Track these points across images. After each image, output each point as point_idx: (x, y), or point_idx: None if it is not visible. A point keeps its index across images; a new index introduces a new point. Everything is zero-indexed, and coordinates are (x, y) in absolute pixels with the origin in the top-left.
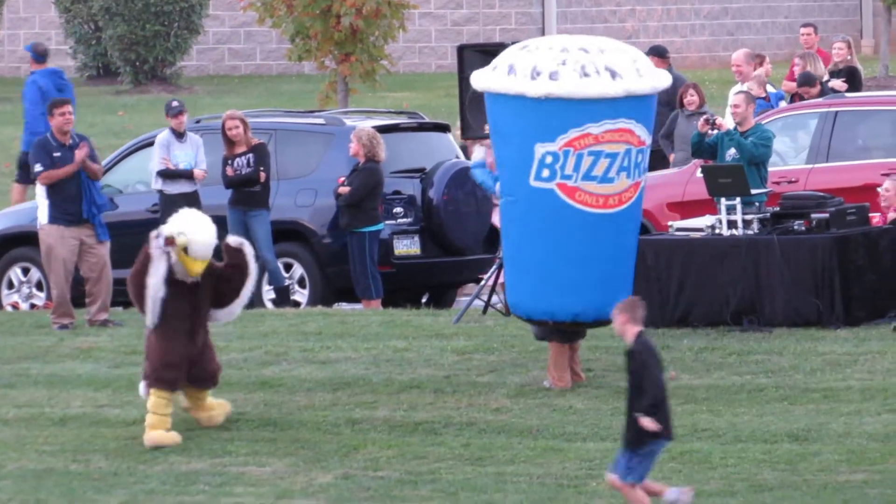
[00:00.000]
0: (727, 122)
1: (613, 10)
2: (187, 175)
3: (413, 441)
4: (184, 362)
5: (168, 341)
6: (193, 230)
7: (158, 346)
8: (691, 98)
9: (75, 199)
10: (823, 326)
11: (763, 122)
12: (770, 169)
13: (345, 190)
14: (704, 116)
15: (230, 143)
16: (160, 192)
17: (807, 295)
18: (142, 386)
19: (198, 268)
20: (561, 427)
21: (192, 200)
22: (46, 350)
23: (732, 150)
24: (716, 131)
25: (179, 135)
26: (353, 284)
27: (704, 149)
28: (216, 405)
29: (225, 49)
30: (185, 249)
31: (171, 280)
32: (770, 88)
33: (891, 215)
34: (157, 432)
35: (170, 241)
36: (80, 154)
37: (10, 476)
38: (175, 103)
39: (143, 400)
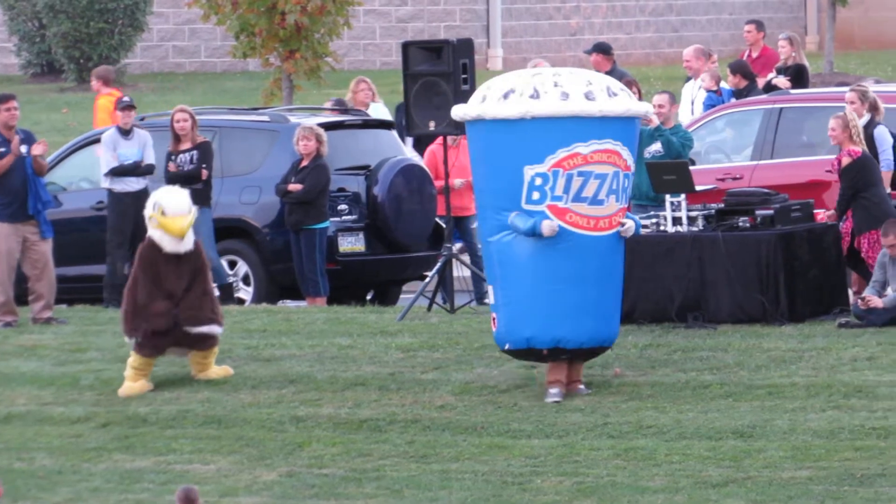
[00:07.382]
0: (655, 119)
1: (558, 6)
2: (141, 170)
3: (358, 438)
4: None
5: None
6: (162, 196)
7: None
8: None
9: (19, 195)
10: (768, 323)
11: (709, 119)
12: (715, 165)
13: (296, 187)
14: None
15: (176, 138)
16: (109, 190)
17: (751, 291)
18: None
19: (179, 224)
20: (506, 424)
21: (141, 198)
22: None
23: (654, 147)
24: (645, 126)
25: (125, 132)
26: (299, 281)
27: None
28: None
29: (169, 46)
30: (162, 212)
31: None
32: (724, 84)
33: (845, 160)
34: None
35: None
36: (15, 144)
37: None
38: (126, 98)
39: (86, 397)
